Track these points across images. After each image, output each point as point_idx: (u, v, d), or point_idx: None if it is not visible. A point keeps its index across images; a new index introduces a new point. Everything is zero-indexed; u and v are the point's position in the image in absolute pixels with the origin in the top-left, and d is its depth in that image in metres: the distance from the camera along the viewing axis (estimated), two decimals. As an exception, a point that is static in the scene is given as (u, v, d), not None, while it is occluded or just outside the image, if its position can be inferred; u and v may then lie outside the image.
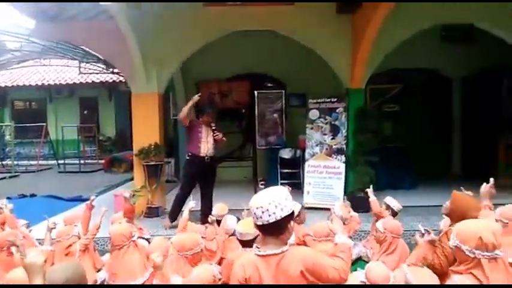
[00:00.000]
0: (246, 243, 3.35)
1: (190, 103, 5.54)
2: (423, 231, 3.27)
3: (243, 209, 4.46)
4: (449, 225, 2.98)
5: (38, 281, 1.57)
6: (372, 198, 4.60)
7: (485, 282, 2.00)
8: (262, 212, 1.76)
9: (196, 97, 5.57)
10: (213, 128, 5.54)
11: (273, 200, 1.78)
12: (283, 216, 1.78)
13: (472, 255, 2.05)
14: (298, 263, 1.78)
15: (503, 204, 3.32)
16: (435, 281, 2.51)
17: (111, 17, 5.67)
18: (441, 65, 9.15)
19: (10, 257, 3.44)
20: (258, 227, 1.83)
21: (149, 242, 4.03)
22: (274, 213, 1.76)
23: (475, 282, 2.04)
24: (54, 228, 3.94)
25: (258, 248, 1.86)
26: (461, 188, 3.32)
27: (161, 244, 3.62)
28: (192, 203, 4.46)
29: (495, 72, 8.57)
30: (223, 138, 5.67)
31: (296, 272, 1.76)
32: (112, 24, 5.75)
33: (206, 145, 5.53)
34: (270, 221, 1.76)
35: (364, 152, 6.39)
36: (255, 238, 3.27)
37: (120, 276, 3.30)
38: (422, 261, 3.18)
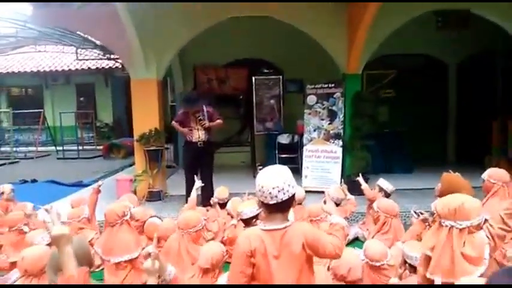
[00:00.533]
0: (248, 222, 3.52)
1: (180, 130, 5.77)
2: (415, 217, 3.44)
3: (244, 193, 4.62)
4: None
5: (69, 251, 1.68)
6: (364, 185, 4.78)
7: None
8: (279, 191, 1.86)
9: (188, 133, 5.69)
10: (199, 118, 5.66)
11: (287, 178, 1.90)
12: (293, 193, 1.92)
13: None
14: (300, 236, 1.90)
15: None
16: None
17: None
18: (437, 50, 9.21)
19: (21, 235, 3.56)
20: (270, 206, 1.90)
21: (161, 220, 4.19)
22: (288, 191, 1.88)
23: None
24: (51, 210, 3.98)
25: (263, 223, 1.98)
26: (450, 170, 3.48)
27: (170, 224, 3.81)
28: (199, 183, 4.65)
29: (490, 57, 8.65)
30: (219, 121, 5.77)
31: (298, 245, 1.88)
32: (111, 10, 5.76)
33: (197, 132, 5.68)
34: (284, 198, 1.87)
35: (360, 137, 6.49)
36: (255, 217, 3.44)
37: (115, 252, 3.28)
38: (417, 239, 3.34)
